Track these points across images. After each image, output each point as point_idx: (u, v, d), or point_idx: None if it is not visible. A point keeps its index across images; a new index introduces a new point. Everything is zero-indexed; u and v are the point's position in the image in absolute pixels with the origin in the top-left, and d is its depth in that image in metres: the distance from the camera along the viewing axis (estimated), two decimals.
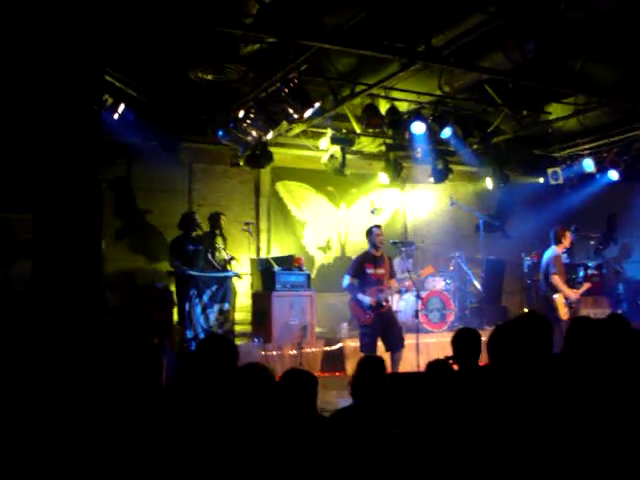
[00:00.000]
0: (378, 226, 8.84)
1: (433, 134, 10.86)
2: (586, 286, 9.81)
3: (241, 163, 11.38)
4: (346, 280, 8.52)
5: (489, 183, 12.82)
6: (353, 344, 9.73)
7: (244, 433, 2.86)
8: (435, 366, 3.83)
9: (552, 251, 9.18)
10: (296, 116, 9.14)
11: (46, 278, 5.55)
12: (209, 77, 8.33)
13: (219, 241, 10.39)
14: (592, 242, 12.94)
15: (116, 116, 8.99)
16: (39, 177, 5.60)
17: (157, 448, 3.03)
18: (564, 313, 8.87)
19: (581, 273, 12.02)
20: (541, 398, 3.50)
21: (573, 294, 9.08)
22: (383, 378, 3.81)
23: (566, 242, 9.45)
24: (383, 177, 12.23)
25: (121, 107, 9.01)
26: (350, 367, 9.57)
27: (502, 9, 6.93)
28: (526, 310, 12.07)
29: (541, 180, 13.27)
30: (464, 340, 4.68)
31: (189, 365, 3.35)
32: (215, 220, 10.49)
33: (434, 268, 9.72)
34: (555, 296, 8.90)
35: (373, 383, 3.74)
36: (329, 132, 11.11)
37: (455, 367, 4.43)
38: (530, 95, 10.00)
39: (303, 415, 2.95)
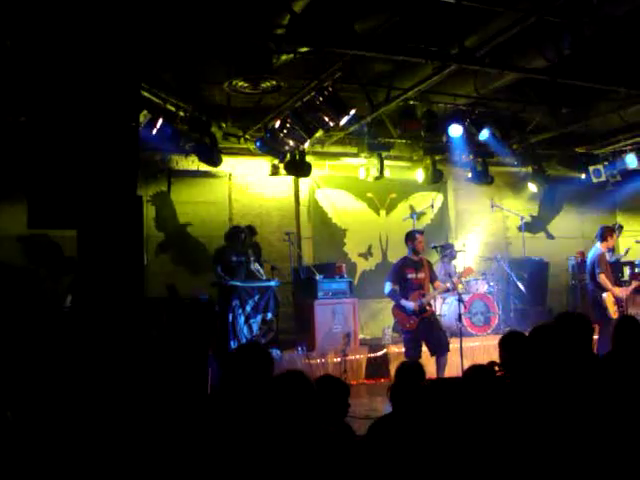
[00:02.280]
0: (421, 232, 8.77)
1: (471, 136, 10.79)
2: (635, 284, 9.63)
3: (280, 173, 11.45)
4: (387, 286, 8.49)
5: (531, 186, 12.68)
6: (397, 350, 9.69)
7: (281, 440, 2.87)
8: (473, 373, 3.77)
9: (596, 250, 9.05)
10: (332, 124, 9.16)
11: (91, 292, 5.65)
12: (244, 89, 8.40)
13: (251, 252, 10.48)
14: (637, 239, 12.68)
15: (154, 131, 9.13)
16: (82, 195, 5.71)
17: (199, 453, 3.07)
18: (614, 312, 8.74)
19: (628, 272, 11.79)
20: (588, 399, 3.45)
21: (621, 292, 8.94)
22: (422, 384, 3.78)
23: (612, 241, 9.33)
24: (422, 181, 12.18)
25: (159, 122, 9.14)
26: None
27: (535, 6, 6.86)
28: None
29: (583, 178, 13.05)
30: (513, 343, 4.57)
31: (226, 375, 3.38)
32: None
33: (473, 269, 9.63)
34: (604, 295, 8.77)
35: (412, 390, 3.71)
36: (366, 138, 11.11)
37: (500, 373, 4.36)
38: (569, 92, 9.87)
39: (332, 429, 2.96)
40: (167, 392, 5.59)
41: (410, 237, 8.62)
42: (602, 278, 8.82)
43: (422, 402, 3.61)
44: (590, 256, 9.14)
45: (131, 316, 5.70)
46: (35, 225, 5.62)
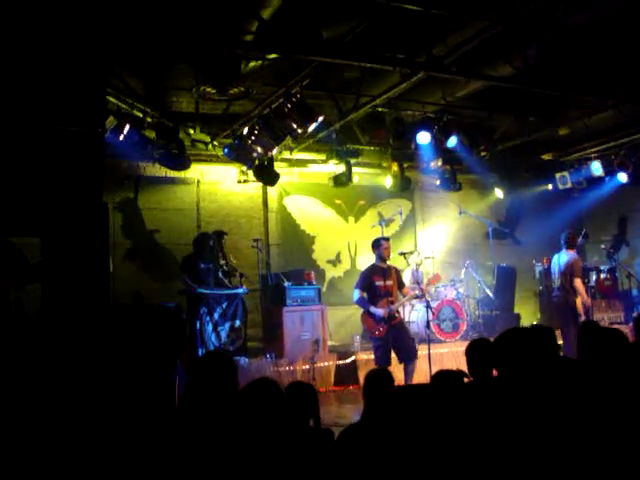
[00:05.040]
0: (386, 239, 8.80)
1: (439, 143, 10.84)
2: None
3: (248, 180, 11.40)
4: (356, 294, 8.49)
5: (498, 192, 12.79)
6: (366, 357, 9.69)
7: (253, 448, 2.84)
8: (440, 378, 3.77)
9: (571, 255, 9.12)
10: (300, 131, 9.15)
11: (55, 300, 5.57)
12: (212, 95, 8.35)
13: (221, 260, 10.39)
14: (603, 245, 12.85)
15: (121, 137, 9.02)
16: (46, 202, 5.63)
17: (168, 465, 3.02)
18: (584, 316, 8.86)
19: (594, 277, 11.94)
20: (555, 405, 3.46)
21: (589, 299, 9.07)
22: (391, 391, 3.78)
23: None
24: (390, 188, 12.22)
25: (126, 128, 9.05)
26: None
27: (502, 16, 6.93)
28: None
29: (549, 185, 13.19)
30: (478, 351, 4.59)
31: (191, 385, 3.34)
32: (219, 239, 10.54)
33: (441, 276, 9.68)
34: (577, 300, 8.87)
35: (381, 396, 3.70)
36: (335, 145, 11.11)
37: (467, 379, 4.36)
38: (536, 100, 9.97)
39: (309, 428, 2.94)
40: (133, 402, 5.51)
41: (376, 244, 8.63)
42: (578, 283, 8.91)
43: (391, 408, 3.60)
44: (563, 261, 9.19)
45: (97, 324, 5.62)
46: None
